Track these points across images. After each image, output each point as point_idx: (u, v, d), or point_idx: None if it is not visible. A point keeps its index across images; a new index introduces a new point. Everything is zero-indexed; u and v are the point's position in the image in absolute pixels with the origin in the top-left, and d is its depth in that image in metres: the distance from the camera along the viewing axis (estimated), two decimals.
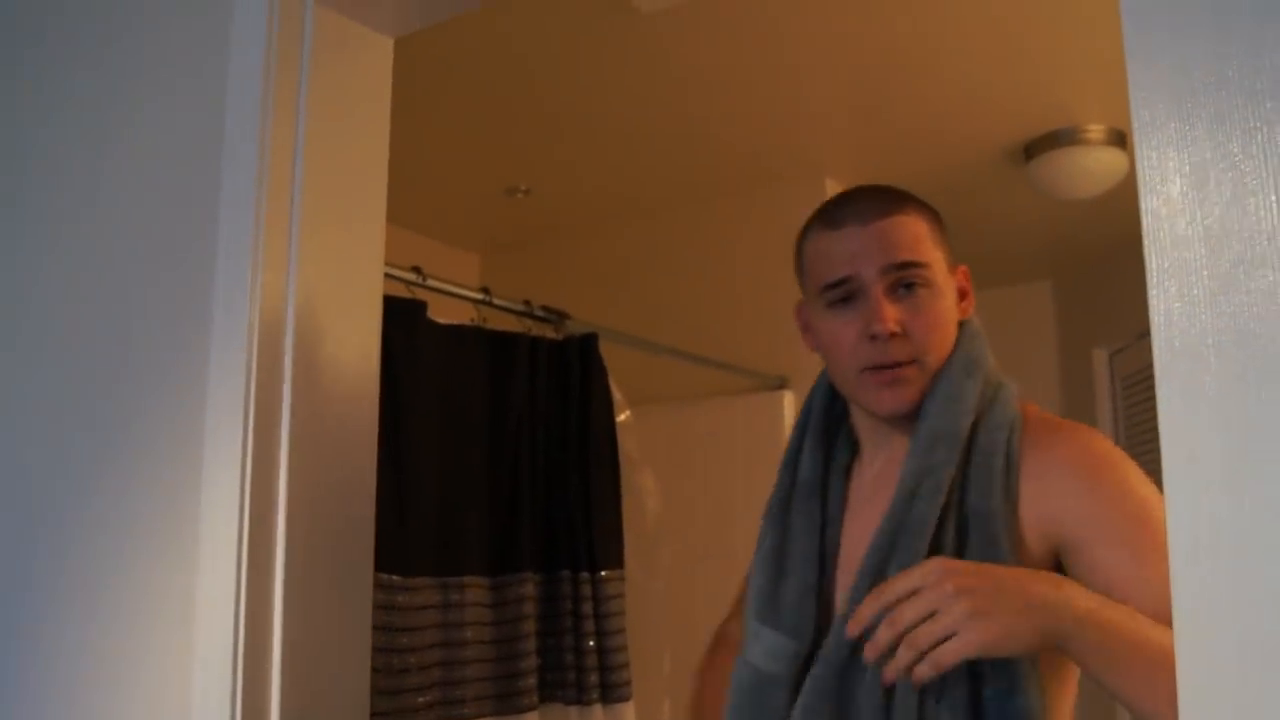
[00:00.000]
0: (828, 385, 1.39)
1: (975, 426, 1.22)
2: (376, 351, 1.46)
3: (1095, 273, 4.31)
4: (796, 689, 1.23)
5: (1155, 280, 0.69)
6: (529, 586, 2.37)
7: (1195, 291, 0.68)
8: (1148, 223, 0.70)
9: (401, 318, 2.18)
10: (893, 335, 1.21)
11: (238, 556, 1.28)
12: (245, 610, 1.27)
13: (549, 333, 2.67)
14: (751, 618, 1.31)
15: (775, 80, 2.74)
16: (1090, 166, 3.09)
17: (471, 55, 2.55)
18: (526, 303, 2.66)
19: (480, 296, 2.51)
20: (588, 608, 2.41)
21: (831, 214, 1.30)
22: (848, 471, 1.36)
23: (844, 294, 1.25)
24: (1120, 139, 3.08)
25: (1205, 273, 0.67)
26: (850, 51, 2.59)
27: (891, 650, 1.00)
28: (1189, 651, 0.66)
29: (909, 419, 1.26)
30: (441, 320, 2.35)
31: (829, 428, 1.38)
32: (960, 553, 1.15)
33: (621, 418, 2.69)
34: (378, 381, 1.45)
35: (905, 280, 1.23)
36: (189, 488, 1.37)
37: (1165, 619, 1.02)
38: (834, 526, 1.32)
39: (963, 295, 1.32)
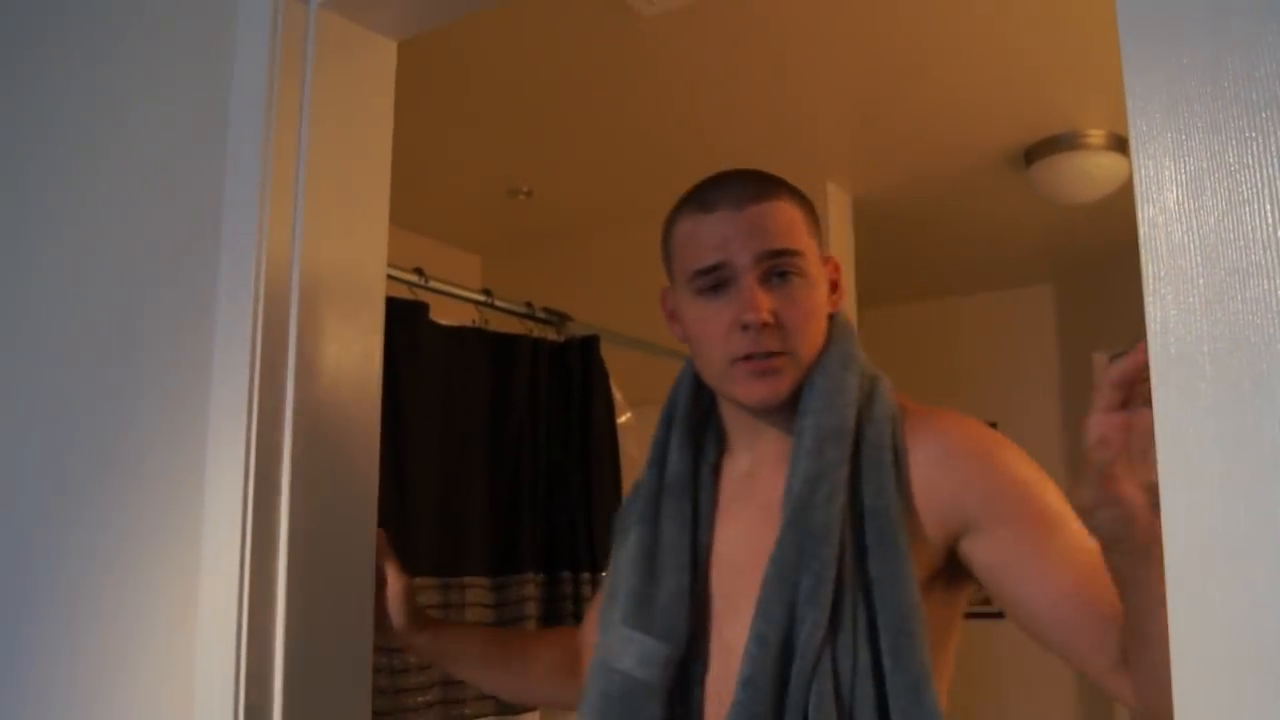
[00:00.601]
0: (693, 378, 1.34)
1: (859, 420, 1.19)
2: (379, 353, 1.46)
3: (1096, 276, 4.31)
4: (669, 695, 1.20)
5: (1152, 288, 0.70)
6: (530, 587, 2.37)
7: (1191, 299, 0.68)
8: (1144, 231, 0.71)
9: (404, 319, 2.18)
10: (765, 325, 1.18)
11: (240, 557, 1.29)
12: (247, 610, 1.27)
13: (550, 334, 2.68)
14: (619, 623, 1.25)
15: (777, 84, 2.74)
16: (1091, 171, 3.09)
17: (474, 57, 2.55)
18: (528, 304, 2.67)
19: (482, 298, 2.52)
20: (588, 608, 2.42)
21: (703, 197, 1.25)
22: (717, 469, 1.31)
23: (714, 281, 1.21)
24: (1121, 144, 3.08)
25: (1201, 281, 0.68)
26: (852, 56, 2.59)
27: None
28: (1185, 657, 0.67)
29: (781, 413, 1.23)
30: (443, 322, 2.35)
31: (695, 423, 1.33)
32: (859, 551, 1.13)
33: (623, 419, 2.70)
34: (380, 383, 1.46)
35: (779, 269, 1.20)
36: (191, 489, 1.37)
37: (1076, 578, 1.08)
38: (705, 526, 1.27)
39: (833, 287, 1.28)
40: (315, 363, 1.37)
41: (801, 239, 1.22)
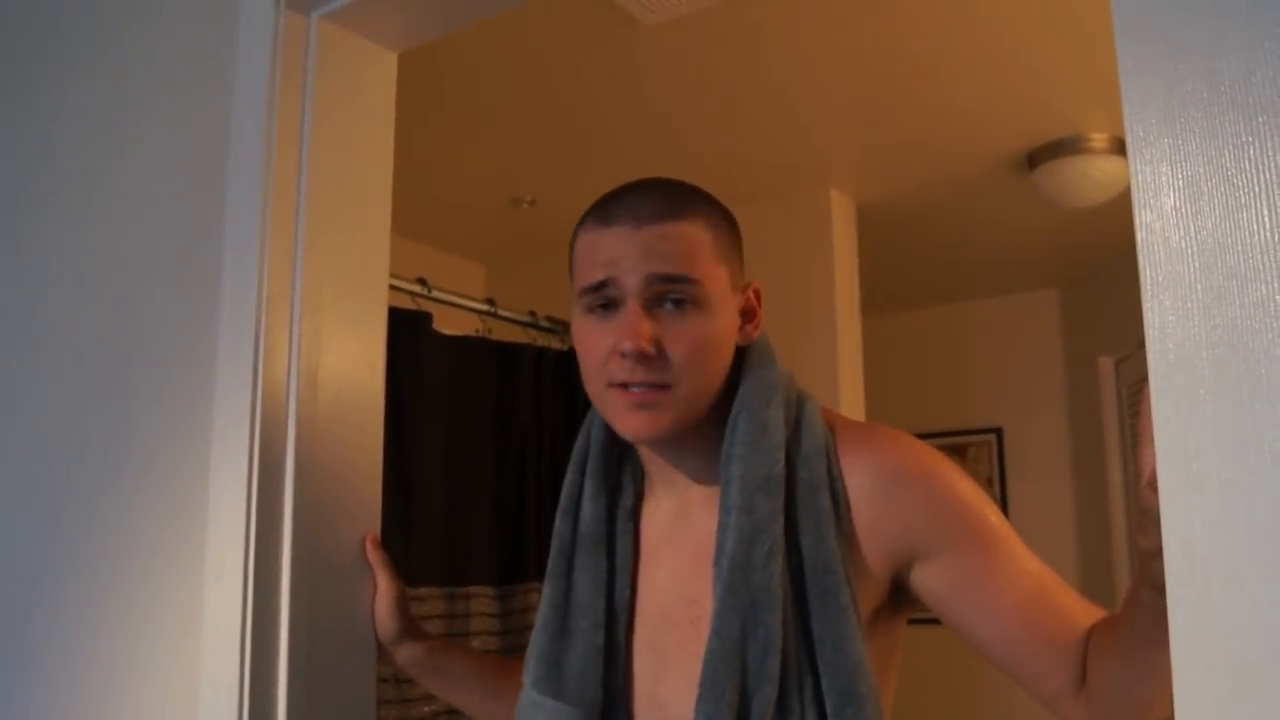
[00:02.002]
0: None
1: (789, 459, 1.11)
2: (381, 363, 1.47)
3: (1100, 280, 4.31)
4: None
5: (1150, 293, 0.70)
6: (535, 596, 2.37)
7: (1189, 305, 0.68)
8: (1142, 236, 0.71)
9: (407, 329, 2.19)
10: (643, 354, 1.08)
11: (244, 566, 1.29)
12: (251, 619, 1.28)
13: (554, 343, 2.68)
14: (530, 687, 1.18)
15: (780, 91, 2.74)
16: (1094, 175, 3.09)
17: (476, 67, 2.56)
18: (531, 313, 2.68)
19: (485, 308, 2.53)
20: None
21: (607, 208, 1.15)
22: (636, 512, 1.23)
23: (602, 300, 1.12)
24: (1124, 148, 3.07)
25: (1199, 286, 0.68)
26: (855, 62, 2.59)
27: None
28: (1185, 664, 0.67)
29: (701, 452, 1.16)
30: (447, 331, 2.36)
31: (610, 462, 1.25)
32: (800, 608, 1.07)
33: None
34: (383, 393, 1.46)
35: (671, 295, 1.10)
36: (196, 497, 1.38)
37: (1023, 602, 1.05)
38: (624, 578, 1.19)
39: (750, 315, 1.19)
40: (318, 373, 1.38)
41: (703, 265, 1.12)
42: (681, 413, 1.12)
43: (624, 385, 1.11)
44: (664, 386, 1.11)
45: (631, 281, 1.10)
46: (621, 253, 1.11)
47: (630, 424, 1.12)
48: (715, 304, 1.13)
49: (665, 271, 1.10)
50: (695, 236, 1.13)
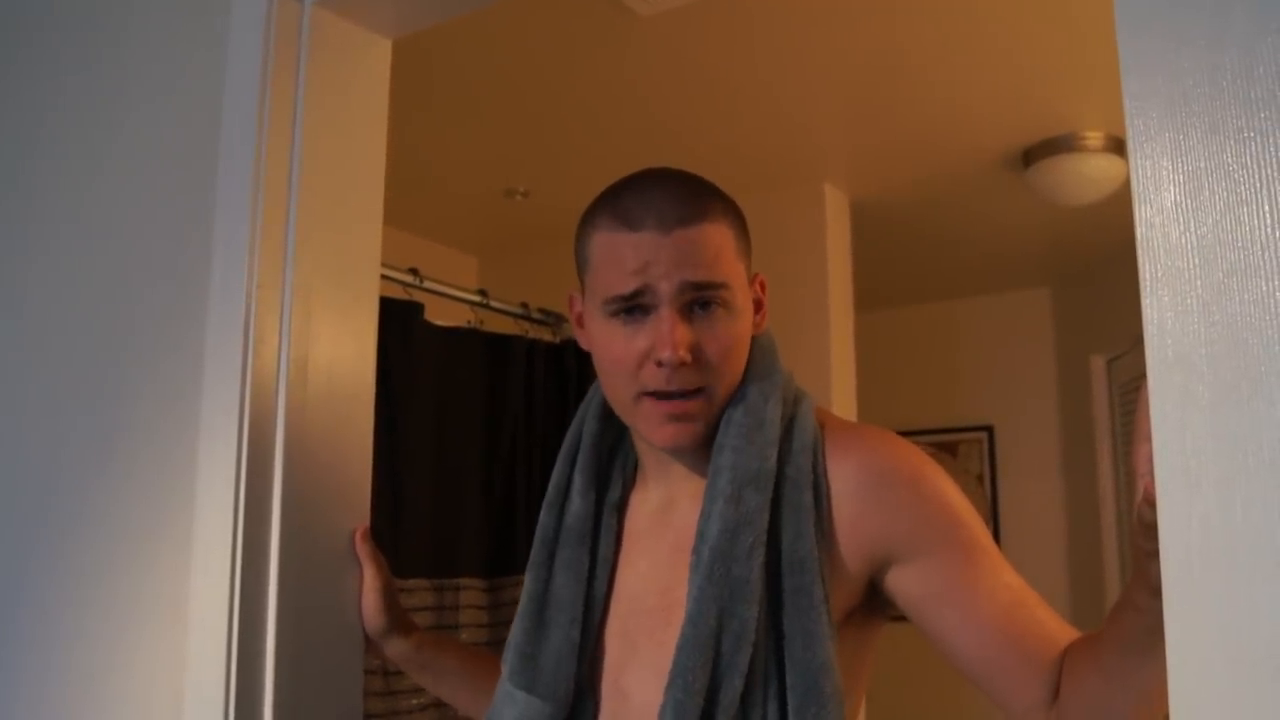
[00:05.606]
0: (600, 405, 1.24)
1: (779, 456, 1.10)
2: (372, 353, 1.46)
3: (1093, 279, 4.31)
4: None
5: (1149, 289, 0.69)
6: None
7: (1189, 301, 0.68)
8: (1142, 232, 0.70)
9: (398, 319, 2.18)
10: (682, 363, 1.08)
11: (231, 559, 1.28)
12: (239, 611, 1.27)
13: (546, 335, 2.68)
14: (505, 679, 1.17)
15: (775, 85, 2.74)
16: (1089, 173, 3.09)
17: (470, 57, 2.55)
18: (524, 305, 2.67)
19: (477, 299, 2.52)
20: None
21: (628, 209, 1.11)
22: (622, 504, 1.23)
23: (631, 305, 1.10)
24: (1119, 146, 3.08)
25: (1199, 282, 0.67)
26: (849, 57, 2.59)
27: None
28: (1181, 661, 0.66)
29: (698, 445, 1.14)
30: (438, 322, 2.35)
31: (602, 456, 1.24)
32: (773, 602, 1.06)
33: None
34: (373, 383, 1.45)
35: (703, 299, 1.10)
36: (183, 490, 1.37)
37: (1001, 614, 1.04)
38: (603, 571, 1.19)
39: (757, 307, 1.18)
40: (308, 362, 1.37)
41: (729, 267, 1.12)
42: (714, 416, 1.12)
43: (657, 394, 1.10)
44: (698, 392, 1.10)
45: (665, 289, 1.08)
46: (652, 258, 1.08)
47: (666, 435, 1.12)
48: (740, 305, 1.13)
49: (699, 279, 1.09)
50: (720, 238, 1.12)
